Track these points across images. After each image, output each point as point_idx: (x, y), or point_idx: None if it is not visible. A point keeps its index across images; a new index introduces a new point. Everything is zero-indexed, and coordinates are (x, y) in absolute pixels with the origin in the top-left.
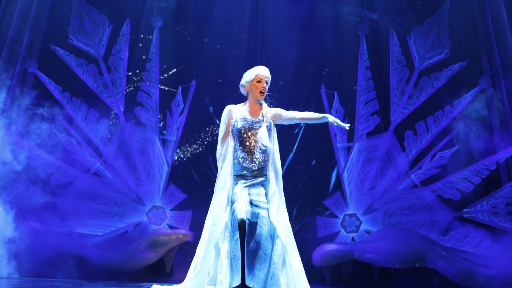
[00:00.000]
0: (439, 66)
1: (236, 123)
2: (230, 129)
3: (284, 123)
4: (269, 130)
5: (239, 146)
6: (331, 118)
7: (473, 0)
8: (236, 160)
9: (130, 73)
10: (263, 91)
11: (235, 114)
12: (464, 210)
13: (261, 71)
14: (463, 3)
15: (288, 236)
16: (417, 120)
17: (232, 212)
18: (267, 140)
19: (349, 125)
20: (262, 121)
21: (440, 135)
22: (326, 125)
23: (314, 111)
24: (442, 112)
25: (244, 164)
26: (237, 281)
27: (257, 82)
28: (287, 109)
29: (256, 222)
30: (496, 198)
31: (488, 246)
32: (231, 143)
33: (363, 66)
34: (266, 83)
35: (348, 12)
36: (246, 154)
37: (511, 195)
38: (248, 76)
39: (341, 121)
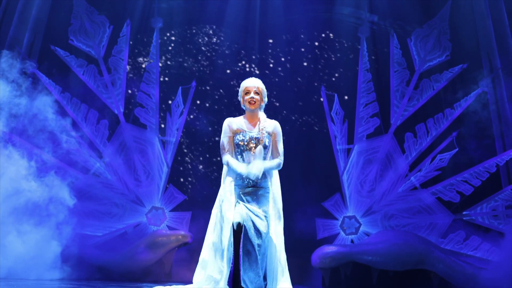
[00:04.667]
0: (440, 68)
1: (235, 136)
2: (232, 141)
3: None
4: (265, 148)
5: (238, 160)
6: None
7: (474, 3)
8: (235, 175)
9: (130, 74)
10: (251, 101)
11: (234, 126)
12: (464, 212)
13: (247, 83)
14: (463, 5)
15: (279, 240)
16: (417, 122)
17: (227, 218)
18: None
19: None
20: (259, 136)
21: (440, 138)
22: (325, 126)
23: (315, 113)
24: (442, 114)
25: (242, 180)
26: (225, 282)
27: (245, 94)
28: (289, 111)
29: (253, 228)
30: (496, 201)
31: (488, 249)
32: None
33: (363, 68)
34: (256, 93)
35: (349, 14)
36: None
37: (511, 198)
38: (239, 91)
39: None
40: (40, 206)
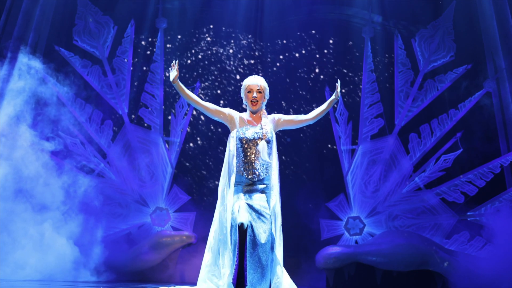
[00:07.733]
0: (444, 69)
1: (238, 131)
2: (228, 120)
3: (291, 127)
4: (268, 143)
5: (241, 156)
6: (334, 96)
7: (478, 3)
8: (237, 170)
9: (134, 75)
10: (253, 100)
11: (238, 120)
12: (468, 213)
13: (250, 81)
14: (468, 6)
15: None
16: (421, 123)
17: (232, 217)
18: (266, 155)
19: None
20: (262, 133)
21: (444, 138)
22: (330, 127)
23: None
24: (447, 115)
25: (245, 175)
26: (229, 283)
27: (247, 92)
28: (293, 111)
29: (257, 227)
30: (500, 202)
31: (492, 249)
32: (231, 152)
33: (368, 69)
34: (259, 92)
35: (353, 15)
36: (246, 165)
37: None
38: (242, 88)
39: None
40: (45, 207)
